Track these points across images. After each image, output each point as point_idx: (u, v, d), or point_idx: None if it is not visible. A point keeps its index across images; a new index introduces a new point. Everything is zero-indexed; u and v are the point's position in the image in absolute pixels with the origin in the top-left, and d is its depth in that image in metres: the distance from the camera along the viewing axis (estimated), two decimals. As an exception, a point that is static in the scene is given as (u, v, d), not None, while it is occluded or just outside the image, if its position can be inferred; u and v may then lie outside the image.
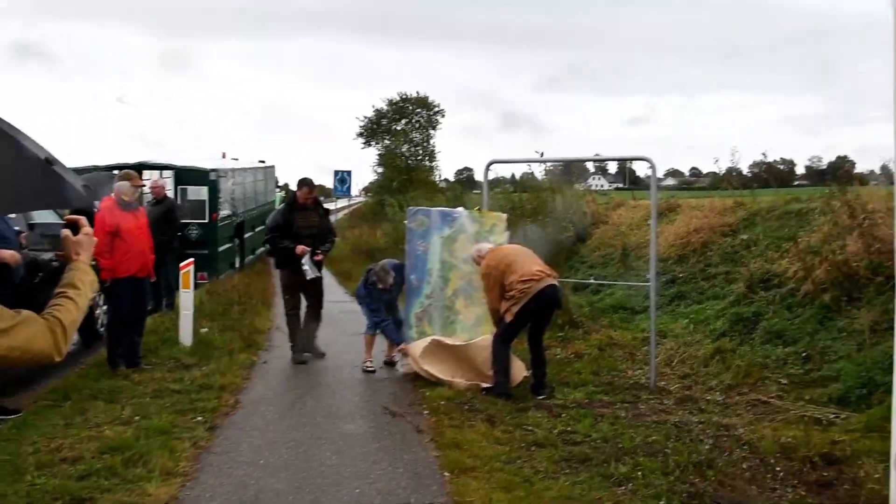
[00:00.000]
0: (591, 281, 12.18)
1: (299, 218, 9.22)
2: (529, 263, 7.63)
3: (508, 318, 7.57)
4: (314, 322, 9.58)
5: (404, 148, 38.64)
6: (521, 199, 16.87)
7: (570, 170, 28.26)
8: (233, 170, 17.97)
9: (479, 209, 9.22)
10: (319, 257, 9.11)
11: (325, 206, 10.46)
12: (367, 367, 8.71)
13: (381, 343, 8.98)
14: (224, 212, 16.43)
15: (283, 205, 10.16)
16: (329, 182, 31.11)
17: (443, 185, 35.66)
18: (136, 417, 6.45)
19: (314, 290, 9.48)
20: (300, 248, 8.96)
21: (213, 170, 16.07)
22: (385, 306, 8.81)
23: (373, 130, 40.35)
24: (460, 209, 8.97)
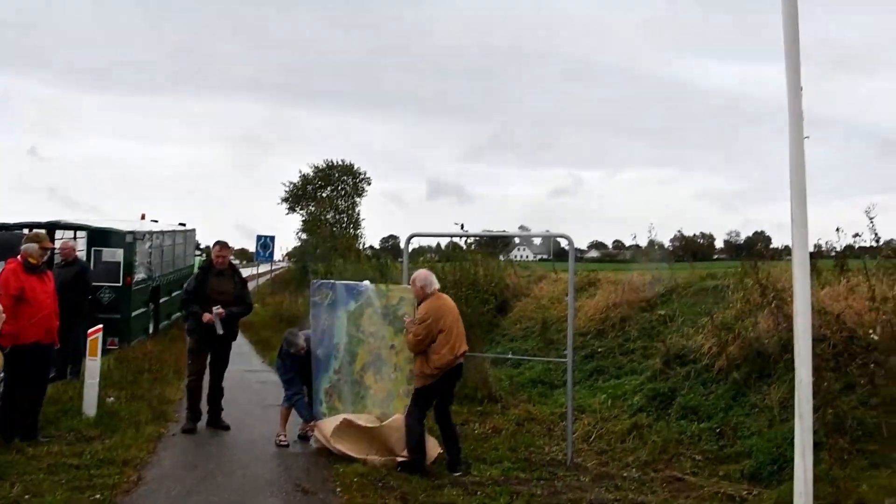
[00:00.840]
0: (510, 356, 12.15)
1: (213, 283, 9.05)
2: (460, 340, 7.56)
3: (418, 383, 7.54)
4: (217, 390, 9.24)
5: (329, 215, 38.61)
6: (444, 270, 16.91)
7: (495, 240, 28.56)
8: (151, 232, 17.55)
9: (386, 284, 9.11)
10: (221, 311, 8.84)
11: (245, 272, 10.27)
12: (281, 441, 8.44)
13: (296, 416, 8.72)
14: (139, 275, 15.98)
15: (199, 269, 9.94)
16: (252, 246, 30.88)
17: (367, 252, 35.60)
18: (27, 496, 6.04)
19: (221, 354, 9.23)
20: (205, 316, 8.80)
21: (130, 232, 15.67)
22: (301, 377, 8.59)
23: (298, 196, 40.26)
24: (366, 283, 8.86)
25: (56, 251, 11.77)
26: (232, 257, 9.81)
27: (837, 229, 9.71)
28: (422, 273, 8.01)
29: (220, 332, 8.87)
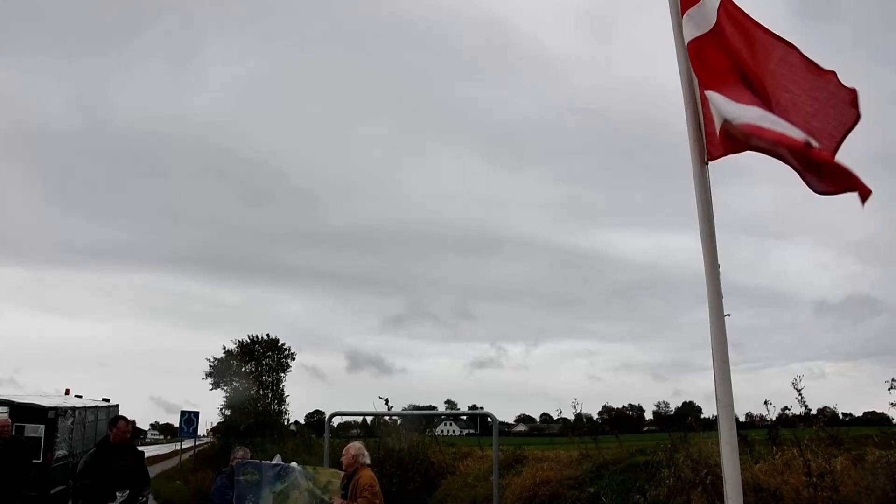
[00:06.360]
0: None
1: (113, 460, 8.70)
2: None
3: None
4: None
5: (253, 391, 37.92)
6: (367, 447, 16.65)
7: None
8: (73, 408, 17.16)
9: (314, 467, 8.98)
10: (123, 495, 8.53)
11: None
12: None
13: None
14: (60, 451, 15.50)
15: (93, 447, 9.54)
16: (176, 421, 30.39)
17: (293, 428, 35.02)
18: None
19: None
20: None
21: (52, 408, 15.37)
22: None
23: (222, 372, 39.50)
24: (293, 464, 8.67)
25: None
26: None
27: (766, 402, 9.88)
28: (357, 444, 8.38)
29: None
